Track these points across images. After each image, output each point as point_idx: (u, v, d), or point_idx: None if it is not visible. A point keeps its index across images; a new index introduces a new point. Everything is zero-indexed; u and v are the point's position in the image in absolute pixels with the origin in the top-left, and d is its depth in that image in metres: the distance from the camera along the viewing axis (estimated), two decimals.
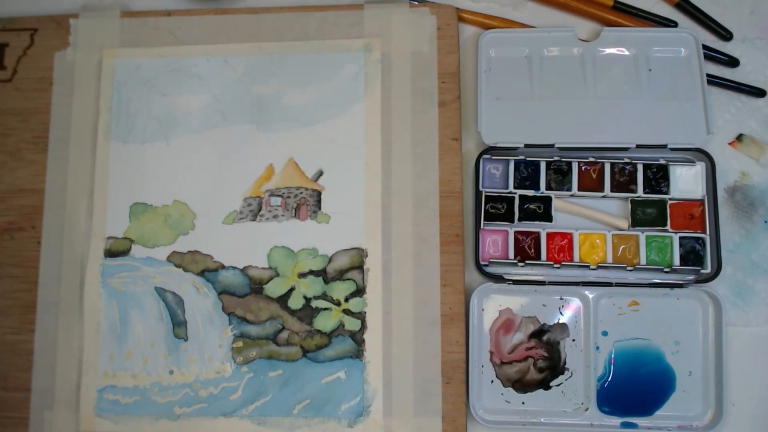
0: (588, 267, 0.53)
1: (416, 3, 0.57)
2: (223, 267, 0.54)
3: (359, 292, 0.53)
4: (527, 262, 0.53)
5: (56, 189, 0.56)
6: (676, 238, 0.53)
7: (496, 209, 0.54)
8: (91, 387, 0.53)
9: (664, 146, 0.53)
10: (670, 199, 0.53)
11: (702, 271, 0.52)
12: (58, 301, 0.54)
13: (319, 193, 0.55)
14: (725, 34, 0.57)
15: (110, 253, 0.55)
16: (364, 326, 0.52)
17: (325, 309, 0.53)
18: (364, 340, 0.52)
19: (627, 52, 0.56)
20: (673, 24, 0.57)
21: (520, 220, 0.54)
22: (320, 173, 0.55)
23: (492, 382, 0.52)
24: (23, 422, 0.53)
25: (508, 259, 0.53)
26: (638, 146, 0.53)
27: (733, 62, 0.56)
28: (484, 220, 0.53)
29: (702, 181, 0.53)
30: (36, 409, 0.53)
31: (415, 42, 0.55)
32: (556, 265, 0.53)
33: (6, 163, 0.57)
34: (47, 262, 0.55)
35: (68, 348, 0.54)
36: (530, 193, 0.54)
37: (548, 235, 0.53)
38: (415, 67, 0.55)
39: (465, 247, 0.54)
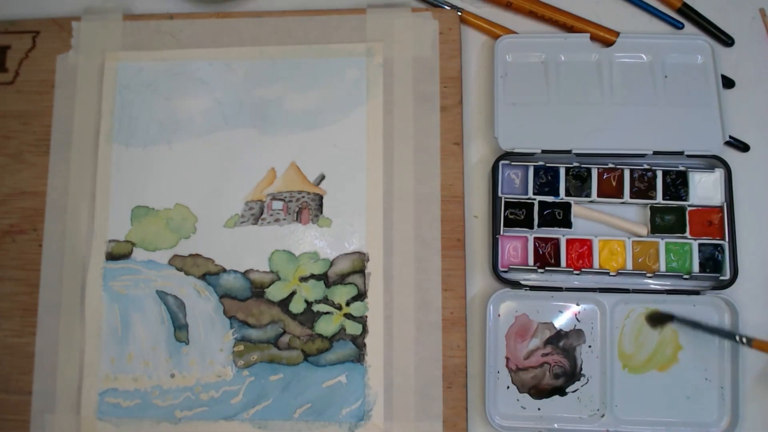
0: (608, 274, 0.53)
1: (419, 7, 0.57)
2: (224, 270, 0.54)
3: (360, 296, 0.53)
4: (547, 268, 0.53)
5: (58, 192, 0.56)
6: (695, 244, 0.53)
7: (516, 215, 0.54)
8: (92, 390, 0.53)
9: (680, 153, 0.53)
10: (689, 205, 0.54)
11: (721, 278, 0.52)
12: (59, 304, 0.54)
13: (321, 197, 0.55)
14: (727, 40, 0.57)
15: (112, 256, 0.55)
16: (365, 330, 0.53)
17: (327, 313, 0.53)
18: (365, 344, 0.52)
19: (643, 59, 0.56)
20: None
21: (539, 226, 0.54)
22: (322, 177, 0.55)
23: (508, 387, 0.52)
24: (24, 425, 0.53)
25: (527, 265, 0.53)
26: (655, 153, 0.53)
27: (729, 83, 0.56)
28: (503, 225, 0.53)
29: (721, 187, 0.54)
30: (37, 412, 0.53)
31: (417, 46, 0.55)
32: (575, 272, 0.53)
33: (8, 165, 0.57)
34: (48, 264, 0.55)
35: (69, 351, 0.54)
36: (550, 199, 0.54)
37: (568, 241, 0.53)
38: (417, 72, 0.55)
39: (478, 251, 0.54)
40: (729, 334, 0.50)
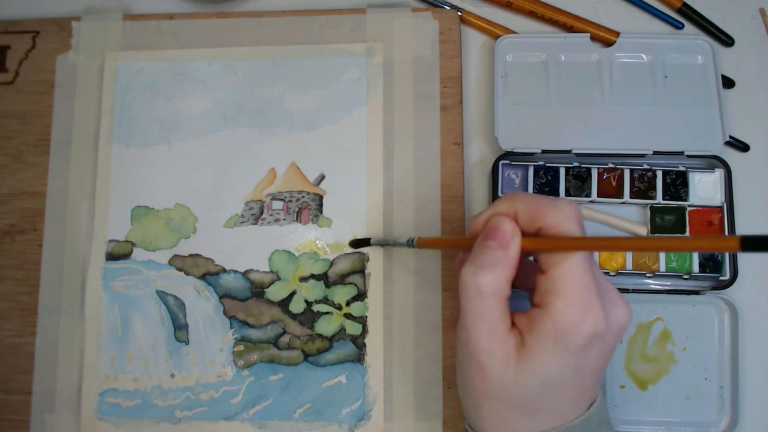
0: (608, 274, 0.53)
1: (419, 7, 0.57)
2: (224, 271, 0.54)
3: (360, 296, 0.53)
4: None
5: (58, 192, 0.56)
6: None
7: None
8: (92, 390, 0.53)
9: (680, 153, 0.53)
10: (689, 205, 0.54)
11: (721, 278, 0.52)
12: (59, 304, 0.54)
13: (321, 197, 0.55)
14: (727, 40, 0.57)
15: (112, 257, 0.55)
16: (365, 330, 0.53)
17: (327, 313, 0.53)
18: (365, 345, 0.52)
19: (643, 59, 0.56)
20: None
21: None
22: (322, 177, 0.55)
23: None
24: (24, 425, 0.53)
25: None
26: (655, 153, 0.53)
27: (729, 83, 0.56)
28: None
29: (721, 187, 0.54)
30: (37, 412, 0.53)
31: (417, 46, 0.55)
32: None
33: (7, 165, 0.57)
34: (48, 264, 0.55)
35: (69, 351, 0.54)
36: None
37: None
38: (417, 72, 0.55)
39: None
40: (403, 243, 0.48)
